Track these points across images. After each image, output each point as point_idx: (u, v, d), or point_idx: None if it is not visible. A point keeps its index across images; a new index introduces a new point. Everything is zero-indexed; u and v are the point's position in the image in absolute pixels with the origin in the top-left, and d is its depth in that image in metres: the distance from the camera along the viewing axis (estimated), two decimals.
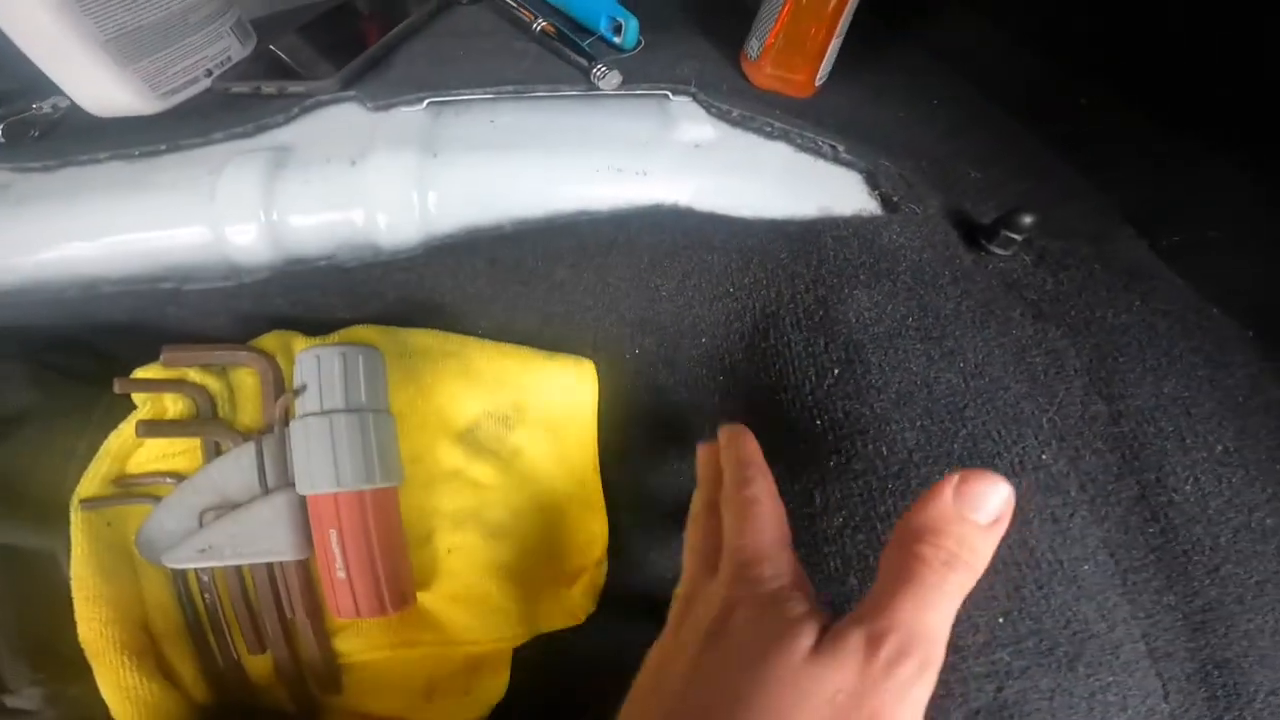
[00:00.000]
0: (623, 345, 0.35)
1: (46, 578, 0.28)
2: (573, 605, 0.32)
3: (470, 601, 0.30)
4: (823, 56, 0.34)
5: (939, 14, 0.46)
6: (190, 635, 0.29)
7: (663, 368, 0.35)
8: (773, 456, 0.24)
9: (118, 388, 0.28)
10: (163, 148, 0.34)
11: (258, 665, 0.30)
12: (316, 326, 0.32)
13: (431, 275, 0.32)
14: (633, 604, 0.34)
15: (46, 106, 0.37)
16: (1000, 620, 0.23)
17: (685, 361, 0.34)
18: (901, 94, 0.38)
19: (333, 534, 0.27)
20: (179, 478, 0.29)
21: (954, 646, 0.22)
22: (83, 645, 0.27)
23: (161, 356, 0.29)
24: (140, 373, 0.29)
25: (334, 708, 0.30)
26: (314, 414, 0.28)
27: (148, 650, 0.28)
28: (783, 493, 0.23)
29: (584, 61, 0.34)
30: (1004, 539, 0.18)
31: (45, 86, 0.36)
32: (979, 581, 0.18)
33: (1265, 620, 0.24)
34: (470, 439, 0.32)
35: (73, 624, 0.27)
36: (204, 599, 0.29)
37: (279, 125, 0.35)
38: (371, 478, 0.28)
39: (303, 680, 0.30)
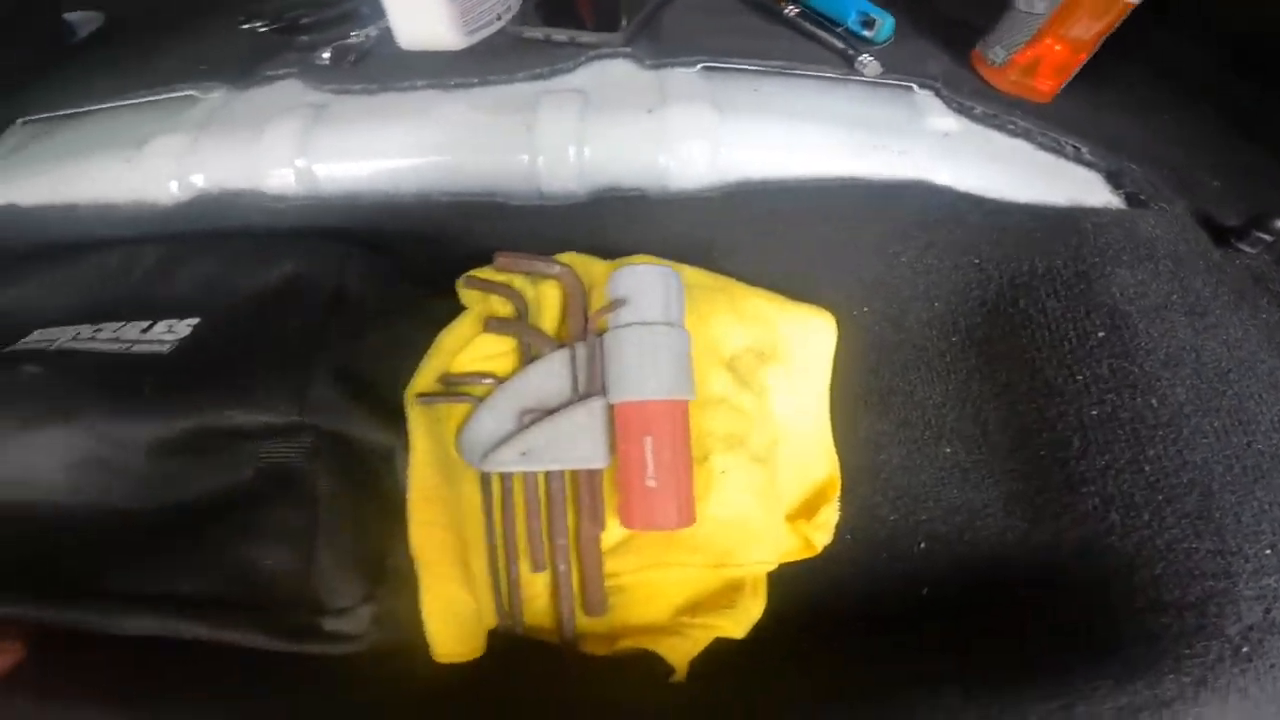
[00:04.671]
0: (852, 303, 0.38)
1: (380, 480, 0.28)
2: (811, 538, 0.34)
3: (735, 524, 0.32)
4: (1072, 74, 0.38)
5: (1163, 39, 0.50)
6: (487, 547, 0.30)
7: (889, 327, 0.38)
8: (1016, 405, 0.27)
9: (465, 283, 0.30)
10: (474, 81, 0.37)
11: (533, 586, 0.31)
12: (604, 254, 0.35)
13: (718, 213, 0.35)
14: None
15: (361, 36, 0.41)
16: (1267, 551, 0.26)
17: (913, 323, 0.37)
18: (1134, 107, 0.42)
19: (647, 441, 0.29)
20: (496, 379, 0.31)
21: (1225, 573, 0.25)
22: (413, 551, 0.27)
23: (495, 260, 0.31)
24: (477, 274, 0.32)
25: (594, 633, 0.31)
26: (633, 324, 0.30)
27: (465, 561, 0.28)
28: (1032, 439, 0.25)
29: (840, 46, 0.38)
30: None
31: (361, 18, 0.40)
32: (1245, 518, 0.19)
33: None
34: (734, 368, 0.35)
35: (403, 534, 0.27)
36: (503, 508, 0.30)
37: (569, 71, 0.38)
38: (682, 389, 0.30)
39: (572, 601, 0.30)
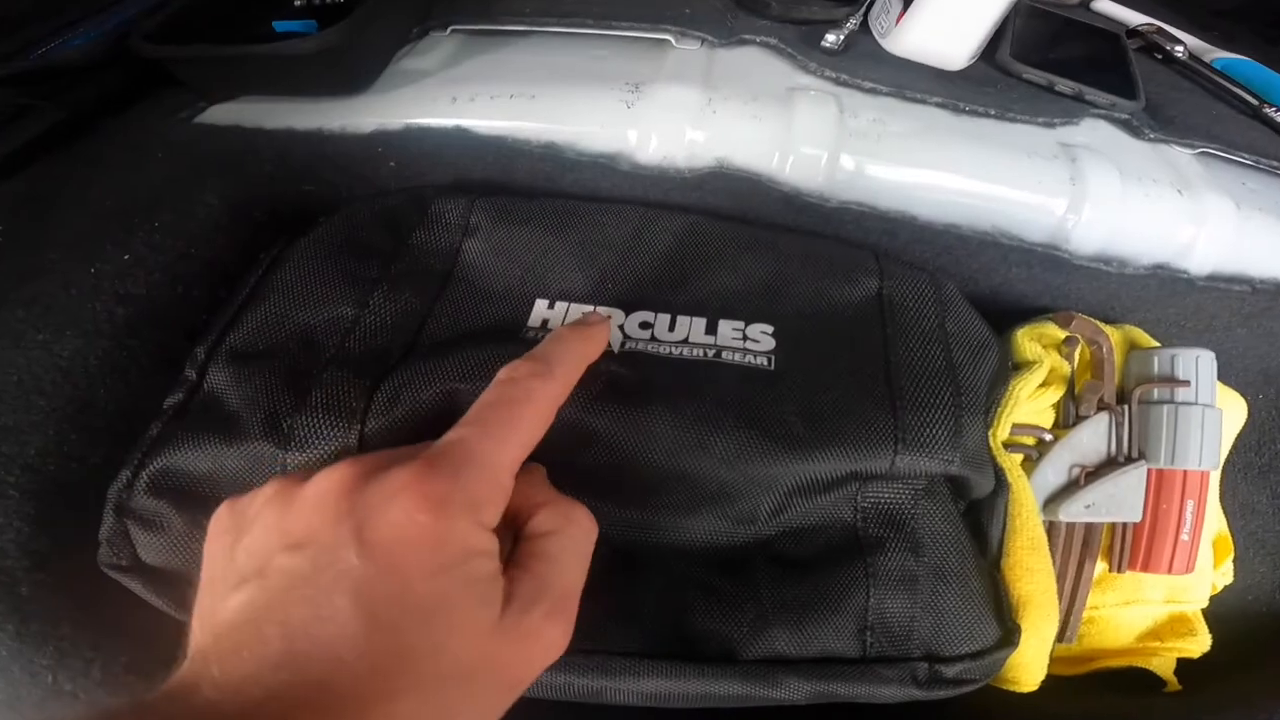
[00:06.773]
0: (1247, 388, 0.42)
1: (974, 523, 0.30)
2: (1215, 583, 0.40)
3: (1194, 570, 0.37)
4: None
5: None
6: None
7: (1276, 415, 0.43)
8: None
9: (1036, 337, 0.32)
10: (991, 112, 0.37)
11: None
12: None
13: (1214, 301, 0.37)
14: None
15: (852, 25, 0.38)
16: None
17: None
18: None
19: (1190, 504, 0.33)
20: (1045, 433, 0.33)
21: None
22: (1018, 595, 0.28)
23: (1063, 319, 0.33)
24: (1047, 330, 0.34)
25: (1060, 657, 0.35)
26: (1191, 404, 0.33)
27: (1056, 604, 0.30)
28: None
29: None
30: None
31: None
32: None
33: None
34: None
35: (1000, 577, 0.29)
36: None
37: (1074, 125, 0.38)
38: (1216, 462, 0.34)
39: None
